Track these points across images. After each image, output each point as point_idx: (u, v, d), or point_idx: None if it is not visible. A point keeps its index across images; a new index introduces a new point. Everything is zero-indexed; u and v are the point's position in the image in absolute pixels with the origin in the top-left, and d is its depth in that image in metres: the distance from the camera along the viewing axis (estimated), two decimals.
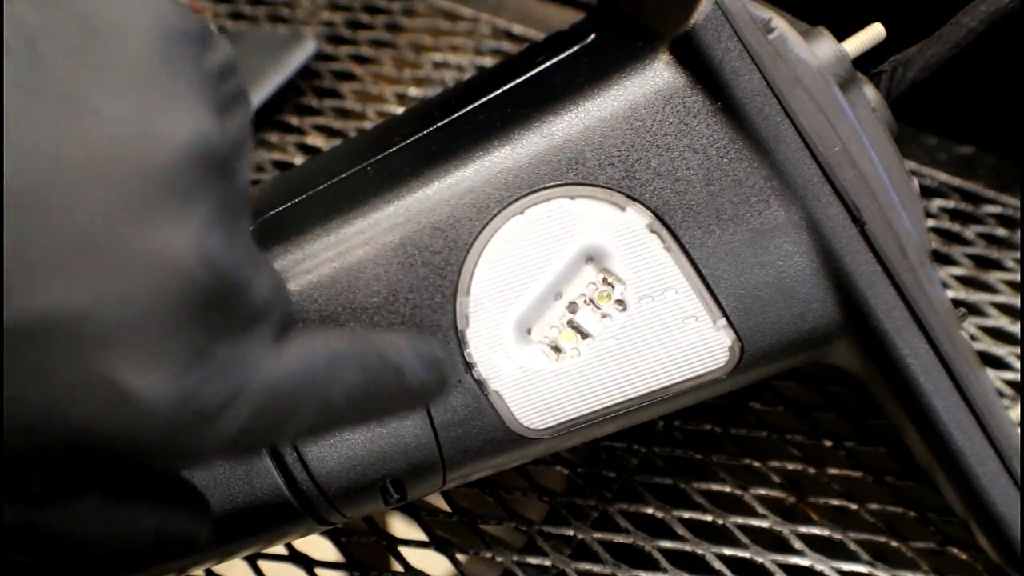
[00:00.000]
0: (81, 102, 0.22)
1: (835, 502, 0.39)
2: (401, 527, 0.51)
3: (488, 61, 0.55)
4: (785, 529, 0.39)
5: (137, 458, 0.23)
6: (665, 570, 0.37)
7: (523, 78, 0.34)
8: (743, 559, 0.38)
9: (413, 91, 0.54)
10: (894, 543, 0.38)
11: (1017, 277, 0.45)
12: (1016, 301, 0.44)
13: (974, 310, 0.44)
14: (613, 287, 0.31)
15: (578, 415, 0.32)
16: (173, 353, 0.23)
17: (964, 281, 0.45)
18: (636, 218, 0.31)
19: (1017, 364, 0.42)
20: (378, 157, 0.34)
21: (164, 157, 0.22)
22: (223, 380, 0.23)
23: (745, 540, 0.38)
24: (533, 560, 0.38)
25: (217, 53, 0.25)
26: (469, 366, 0.31)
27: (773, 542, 0.38)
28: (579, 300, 0.32)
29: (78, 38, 0.22)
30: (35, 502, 0.24)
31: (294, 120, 0.54)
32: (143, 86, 0.23)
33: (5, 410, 0.22)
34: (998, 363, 0.42)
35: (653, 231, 0.31)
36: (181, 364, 0.23)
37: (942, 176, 0.48)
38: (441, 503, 0.40)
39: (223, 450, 0.24)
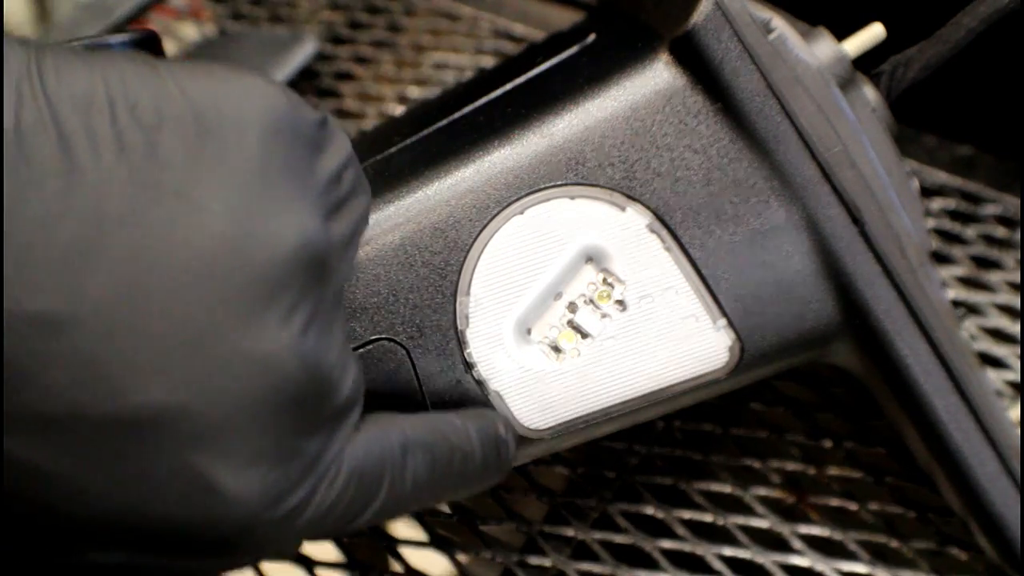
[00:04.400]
0: (194, 200, 0.22)
1: (835, 502, 0.39)
2: (401, 527, 0.51)
3: (488, 61, 0.55)
4: (785, 529, 0.39)
5: (221, 552, 0.23)
6: (665, 570, 0.37)
7: (523, 78, 0.34)
8: (743, 559, 0.38)
9: (413, 91, 0.54)
10: (894, 543, 0.38)
11: (1017, 277, 0.45)
12: (1016, 301, 0.44)
13: (974, 310, 0.44)
14: (613, 287, 0.31)
15: (578, 415, 0.32)
16: (266, 452, 0.23)
17: (964, 281, 0.45)
18: (636, 218, 0.31)
19: (1017, 364, 0.42)
20: (378, 157, 0.34)
21: (269, 259, 0.23)
22: (311, 476, 0.24)
23: (745, 540, 0.38)
24: (533, 560, 0.38)
25: (333, 151, 0.25)
26: (469, 366, 0.31)
27: (773, 542, 0.38)
28: (579, 300, 0.32)
29: (194, 133, 0.22)
30: None
31: None
32: (254, 186, 0.23)
33: (101, 492, 0.22)
34: (998, 363, 0.42)
35: (653, 231, 0.31)
36: (272, 462, 0.23)
37: (942, 176, 0.48)
38: (441, 503, 0.40)
39: (300, 540, 0.25)
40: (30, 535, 0.22)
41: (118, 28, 0.57)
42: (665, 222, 0.31)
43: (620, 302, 0.31)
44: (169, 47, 0.52)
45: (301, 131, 0.24)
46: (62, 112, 0.21)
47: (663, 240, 0.31)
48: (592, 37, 0.35)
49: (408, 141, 0.34)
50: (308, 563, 0.39)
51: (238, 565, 0.25)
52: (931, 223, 0.47)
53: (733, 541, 0.38)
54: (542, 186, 0.31)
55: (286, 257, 0.23)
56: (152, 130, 0.22)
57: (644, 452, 0.40)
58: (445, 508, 0.40)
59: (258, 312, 0.22)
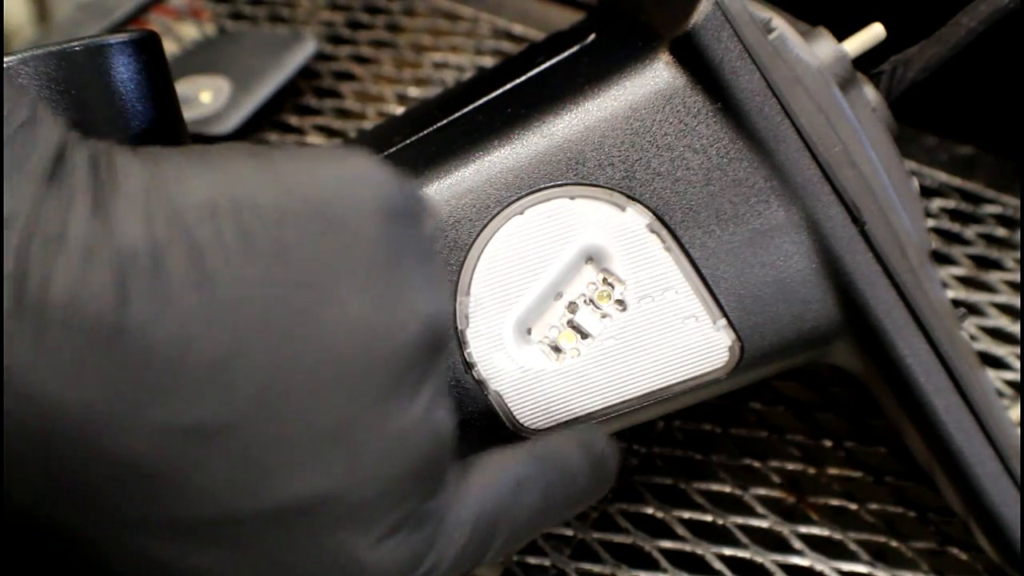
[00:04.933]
0: (327, 292, 0.22)
1: (835, 502, 0.39)
2: None
3: (488, 61, 0.55)
4: (785, 529, 0.39)
5: None
6: (665, 570, 0.37)
7: (523, 78, 0.34)
8: (743, 559, 0.38)
9: (413, 91, 0.54)
10: (894, 543, 0.38)
11: (1017, 277, 0.45)
12: (1016, 301, 0.44)
13: (974, 310, 0.44)
14: (613, 287, 0.31)
15: (578, 415, 0.32)
16: (403, 523, 0.24)
17: (964, 281, 0.45)
18: (636, 218, 0.31)
19: (1017, 364, 0.42)
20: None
21: (403, 342, 0.23)
22: (441, 535, 0.25)
23: (745, 540, 0.38)
24: (533, 560, 0.38)
25: (430, 227, 0.25)
26: (469, 366, 0.31)
27: (773, 542, 0.38)
28: (579, 300, 0.32)
29: (317, 227, 0.22)
30: None
31: (294, 120, 0.54)
32: (382, 272, 0.23)
33: None
34: (998, 363, 0.42)
35: (653, 231, 0.31)
36: (409, 532, 0.24)
37: (942, 176, 0.48)
38: None
39: None
40: None
41: (118, 28, 0.57)
42: (665, 222, 0.31)
43: (620, 302, 0.31)
44: (169, 47, 0.52)
45: (410, 209, 0.24)
46: (190, 222, 0.21)
47: (663, 240, 0.31)
48: (592, 37, 0.35)
49: (408, 141, 0.34)
50: None
51: None
52: (931, 223, 0.47)
53: (733, 541, 0.38)
54: (542, 186, 0.31)
55: (417, 337, 0.23)
56: (277, 228, 0.22)
57: (644, 452, 0.40)
58: None
59: (394, 392, 0.23)
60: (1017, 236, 0.46)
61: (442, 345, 0.24)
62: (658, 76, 0.31)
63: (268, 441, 0.22)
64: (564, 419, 0.32)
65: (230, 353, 0.21)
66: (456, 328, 0.31)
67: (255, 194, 0.22)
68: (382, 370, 0.23)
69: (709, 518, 0.39)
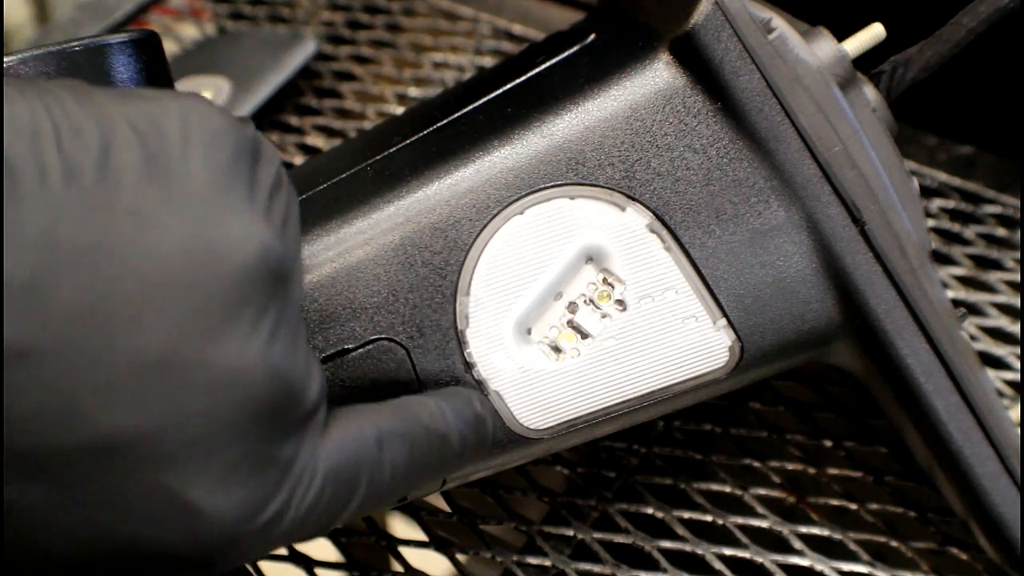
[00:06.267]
0: (149, 218, 0.22)
1: (835, 502, 0.39)
2: (401, 527, 0.51)
3: (488, 61, 0.55)
4: (785, 529, 0.38)
5: (203, 568, 0.23)
6: (665, 570, 0.37)
7: (523, 78, 0.34)
8: (743, 559, 0.38)
9: (413, 91, 0.54)
10: (894, 543, 0.38)
11: (1017, 277, 0.45)
12: (1016, 301, 0.44)
13: (974, 310, 0.44)
14: (613, 287, 0.31)
15: (578, 415, 0.32)
16: (240, 465, 0.23)
17: (964, 281, 0.45)
18: (636, 218, 0.31)
19: (1017, 364, 0.42)
20: (378, 157, 0.34)
21: (231, 272, 0.23)
22: (287, 483, 0.24)
23: (745, 540, 0.38)
24: (533, 560, 0.38)
25: (270, 165, 0.25)
26: (469, 366, 0.31)
27: (773, 542, 0.38)
28: (579, 300, 0.32)
29: (141, 155, 0.22)
30: None
31: (294, 120, 0.54)
32: (207, 201, 0.23)
33: (79, 524, 0.22)
34: (998, 363, 0.42)
35: (653, 231, 0.31)
36: (247, 476, 0.23)
37: (942, 176, 0.48)
38: (441, 503, 0.40)
39: (282, 543, 0.25)
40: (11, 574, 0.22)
41: (118, 28, 0.57)
42: (665, 222, 0.31)
43: (620, 302, 0.31)
44: (169, 47, 0.52)
45: (241, 143, 0.24)
46: (9, 142, 0.21)
47: (663, 240, 0.31)
48: (592, 37, 0.35)
49: (408, 141, 0.34)
50: (308, 563, 0.39)
51: None
52: (931, 223, 0.47)
53: (733, 541, 0.38)
54: (542, 186, 0.31)
55: (247, 267, 0.23)
56: (99, 155, 0.22)
57: (644, 452, 0.40)
58: (445, 507, 0.40)
59: (224, 325, 0.22)
60: (1017, 236, 0.46)
61: (281, 282, 0.24)
62: (658, 76, 0.31)
63: (82, 369, 0.21)
64: (564, 419, 0.32)
65: (44, 272, 0.21)
66: (456, 328, 0.31)
67: (77, 121, 0.22)
68: (206, 301, 0.22)
69: (709, 518, 0.39)
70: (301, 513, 0.24)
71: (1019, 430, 0.33)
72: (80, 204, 0.21)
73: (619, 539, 0.38)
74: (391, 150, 0.34)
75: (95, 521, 0.22)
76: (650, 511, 0.39)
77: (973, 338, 0.43)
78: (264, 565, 0.39)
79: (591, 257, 0.31)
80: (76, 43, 0.28)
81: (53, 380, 0.21)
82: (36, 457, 0.21)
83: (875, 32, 0.34)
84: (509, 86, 0.34)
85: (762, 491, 0.40)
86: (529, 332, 0.31)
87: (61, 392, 0.21)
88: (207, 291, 0.22)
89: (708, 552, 0.38)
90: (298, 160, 0.52)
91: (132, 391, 0.21)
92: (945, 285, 0.44)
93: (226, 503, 0.23)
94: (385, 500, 0.27)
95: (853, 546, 0.38)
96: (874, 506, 0.39)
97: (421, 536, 0.39)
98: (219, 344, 0.22)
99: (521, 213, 0.31)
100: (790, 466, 0.40)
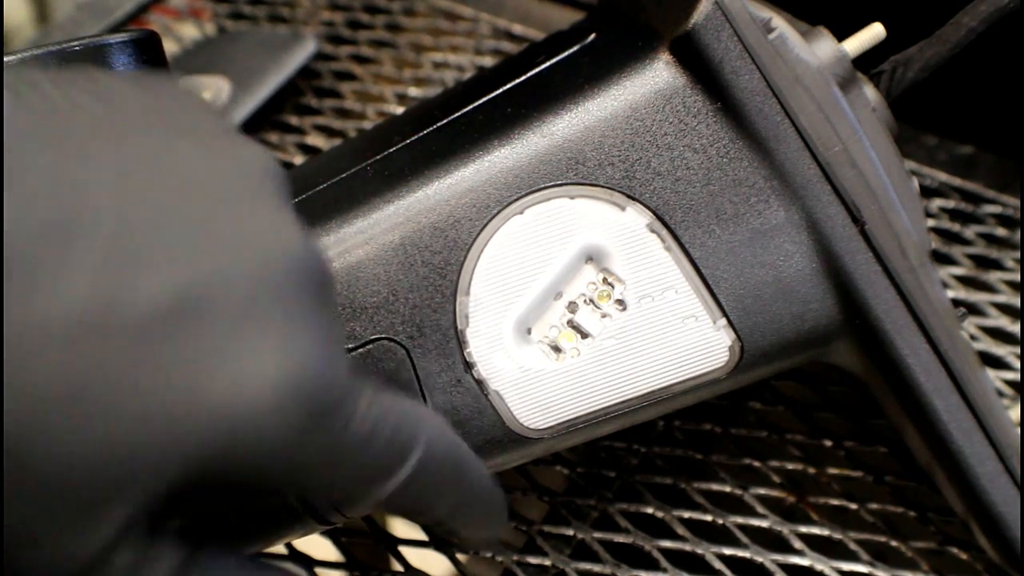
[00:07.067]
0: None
1: (835, 502, 0.39)
2: (401, 527, 0.51)
3: (488, 61, 0.55)
4: (785, 529, 0.39)
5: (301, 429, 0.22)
6: (665, 570, 0.37)
7: (523, 78, 0.34)
8: (743, 559, 0.38)
9: (413, 91, 0.54)
10: (894, 543, 0.38)
11: (1017, 277, 0.45)
12: (1016, 301, 0.44)
13: (974, 310, 0.44)
14: (613, 287, 0.31)
15: (578, 415, 0.32)
16: (289, 326, 0.22)
17: (964, 281, 0.45)
18: (636, 218, 0.31)
19: (1017, 364, 0.42)
20: (378, 157, 0.34)
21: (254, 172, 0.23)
22: (354, 378, 0.23)
23: (745, 540, 0.38)
24: (533, 560, 0.38)
25: (287, 185, 0.25)
26: (469, 366, 0.31)
27: (773, 542, 0.38)
28: (579, 300, 0.32)
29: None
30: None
31: (294, 120, 0.54)
32: (254, 203, 0.23)
33: (157, 390, 0.21)
34: (998, 363, 0.42)
35: (653, 231, 0.31)
36: (315, 331, 0.22)
37: (942, 176, 0.48)
38: None
39: (357, 453, 0.23)
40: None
41: (118, 28, 0.57)
42: (665, 222, 0.31)
43: (620, 302, 0.31)
44: (169, 47, 0.52)
45: (273, 169, 0.24)
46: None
47: (663, 240, 0.31)
48: (592, 37, 0.35)
49: (408, 141, 0.34)
50: (308, 563, 0.39)
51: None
52: (931, 223, 0.47)
53: (733, 541, 0.38)
54: (542, 186, 0.31)
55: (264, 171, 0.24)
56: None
57: (644, 452, 0.40)
58: None
59: (259, 202, 0.23)
60: (1017, 236, 0.46)
61: (324, 287, 0.23)
62: (658, 76, 0.31)
63: (128, 240, 0.20)
64: (564, 419, 0.32)
65: (80, 152, 0.21)
66: (456, 328, 0.31)
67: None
68: (242, 181, 0.23)
69: (709, 518, 0.39)
70: (367, 430, 0.23)
71: (1019, 430, 0.33)
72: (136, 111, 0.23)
73: (619, 539, 0.38)
74: (391, 150, 0.34)
75: (163, 394, 0.21)
76: (650, 511, 0.39)
77: (973, 338, 0.43)
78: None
79: (591, 257, 0.31)
80: (76, 43, 0.28)
81: (99, 254, 0.20)
82: (89, 331, 0.20)
83: (875, 32, 0.34)
84: (509, 86, 0.34)
85: (762, 491, 0.40)
86: (529, 332, 0.31)
87: (107, 266, 0.20)
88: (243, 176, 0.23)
89: (708, 552, 0.38)
90: (298, 160, 0.52)
91: (180, 252, 0.21)
92: (945, 285, 0.45)
93: (280, 369, 0.21)
94: (422, 496, 0.25)
95: (853, 546, 0.38)
96: (874, 506, 0.39)
97: (421, 536, 0.39)
98: (257, 212, 0.23)
99: (521, 213, 0.31)
100: (790, 466, 0.40)
